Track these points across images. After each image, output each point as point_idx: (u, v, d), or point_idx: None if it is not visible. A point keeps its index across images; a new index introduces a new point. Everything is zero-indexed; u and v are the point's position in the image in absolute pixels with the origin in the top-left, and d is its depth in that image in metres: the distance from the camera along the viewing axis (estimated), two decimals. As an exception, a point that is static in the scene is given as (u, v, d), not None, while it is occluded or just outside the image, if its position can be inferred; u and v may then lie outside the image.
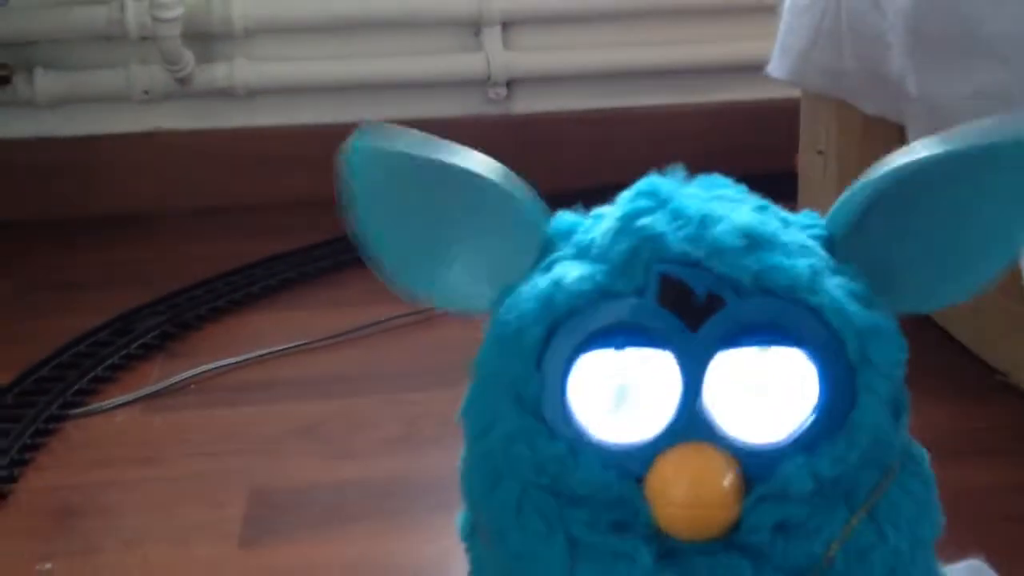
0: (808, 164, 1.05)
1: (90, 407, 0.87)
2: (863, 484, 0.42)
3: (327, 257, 1.15)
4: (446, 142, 0.45)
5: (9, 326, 1.05)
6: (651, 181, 0.45)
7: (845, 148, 0.98)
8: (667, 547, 0.41)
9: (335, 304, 1.06)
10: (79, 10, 1.28)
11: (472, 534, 0.48)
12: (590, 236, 0.44)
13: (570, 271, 0.43)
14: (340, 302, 1.06)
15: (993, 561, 0.60)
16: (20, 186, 1.32)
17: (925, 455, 0.45)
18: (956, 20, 0.74)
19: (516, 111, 1.36)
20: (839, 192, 1.04)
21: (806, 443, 0.41)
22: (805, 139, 1.05)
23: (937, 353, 0.91)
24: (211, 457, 0.81)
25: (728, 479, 0.41)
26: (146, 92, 1.31)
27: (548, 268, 0.44)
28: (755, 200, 0.45)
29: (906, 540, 0.43)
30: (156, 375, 0.92)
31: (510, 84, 1.36)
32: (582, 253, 0.44)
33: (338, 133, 1.22)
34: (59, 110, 1.32)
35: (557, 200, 0.47)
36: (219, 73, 1.31)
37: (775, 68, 1.01)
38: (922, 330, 0.95)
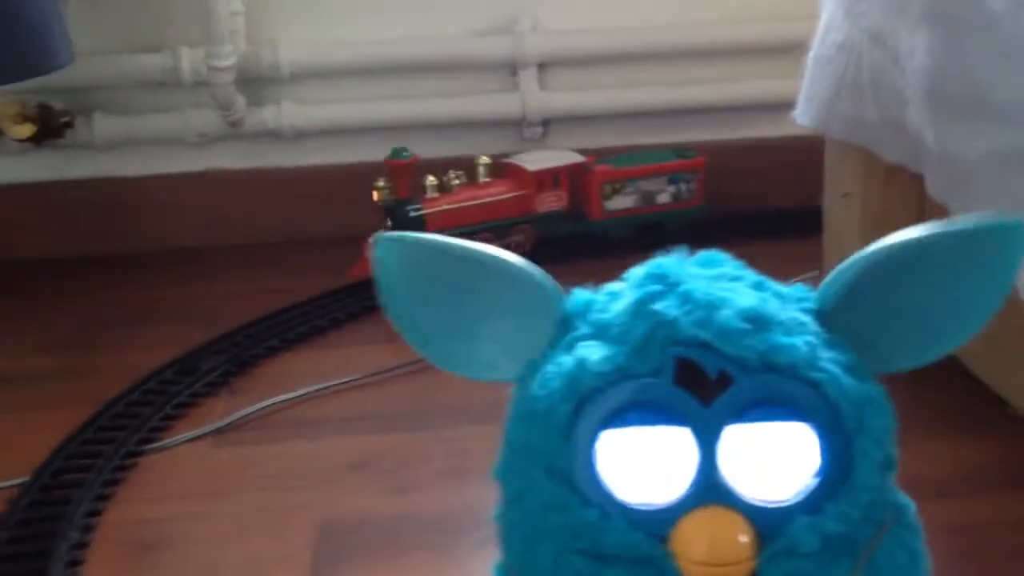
0: (832, 207, 1.10)
1: (162, 443, 0.94)
2: (862, 539, 0.47)
3: (374, 295, 1.21)
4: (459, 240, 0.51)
5: (78, 361, 1.11)
6: (659, 264, 0.50)
7: (870, 192, 1.03)
8: None
9: (384, 341, 1.11)
10: (136, 58, 1.35)
11: None
12: (606, 316, 0.49)
13: (592, 353, 0.48)
14: (389, 339, 1.11)
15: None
16: (81, 224, 1.39)
17: (912, 507, 0.51)
18: (970, 83, 0.79)
19: (552, 149, 1.42)
20: (862, 235, 1.11)
21: (812, 504, 0.46)
22: (830, 182, 1.10)
23: (953, 387, 0.96)
24: (275, 491, 0.87)
25: (743, 539, 0.46)
26: (200, 135, 1.38)
27: (570, 347, 0.49)
28: (752, 276, 0.50)
29: None
30: (221, 411, 0.99)
31: (546, 123, 1.41)
32: (601, 333, 0.49)
33: (382, 171, 1.33)
34: (116, 152, 1.40)
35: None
36: (268, 115, 1.38)
37: (801, 115, 1.06)
38: (939, 365, 1.00)
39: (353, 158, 1.41)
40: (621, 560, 0.47)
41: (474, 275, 0.51)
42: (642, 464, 0.47)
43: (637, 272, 0.50)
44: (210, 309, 1.21)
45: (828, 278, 0.50)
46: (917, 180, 0.99)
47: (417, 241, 0.51)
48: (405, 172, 1.24)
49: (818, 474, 0.47)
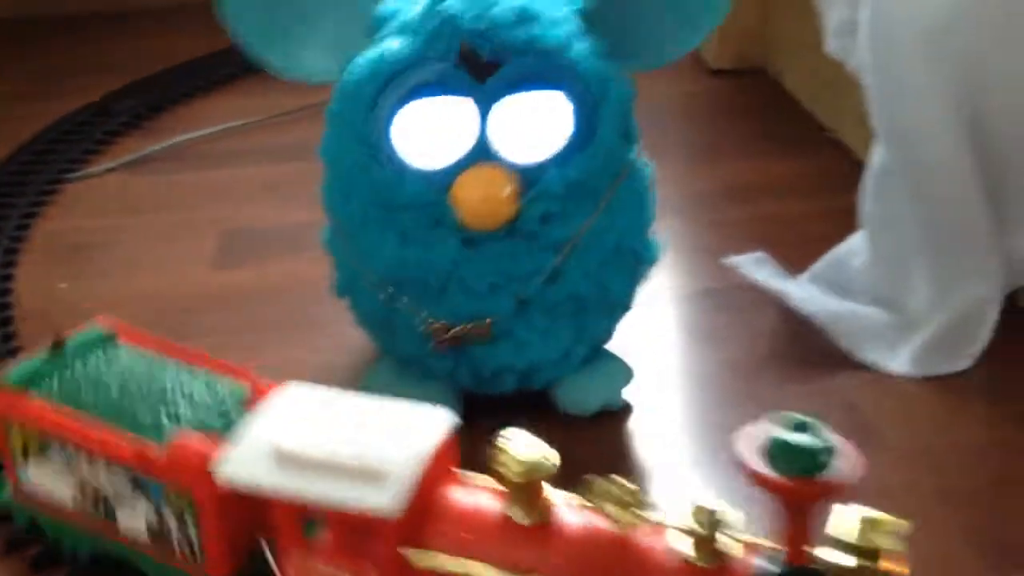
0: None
1: (83, 172, 1.04)
2: (601, 189, 0.62)
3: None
4: None
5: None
6: None
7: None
8: (468, 237, 0.60)
9: (287, 90, 1.20)
10: None
11: (332, 240, 0.67)
12: (407, 18, 0.61)
13: (393, 44, 0.60)
14: (291, 88, 1.21)
15: (791, 259, 0.80)
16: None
17: (650, 170, 0.65)
18: None
19: None
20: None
21: (562, 160, 0.60)
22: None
23: (781, 112, 1.10)
24: (188, 209, 0.98)
25: (509, 183, 0.59)
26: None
27: (378, 42, 0.61)
28: None
29: (628, 223, 0.63)
30: (135, 147, 1.09)
31: None
32: (402, 30, 0.61)
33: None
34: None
35: None
36: None
37: None
38: (771, 94, 1.14)
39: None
40: (412, 208, 0.60)
41: None
42: (429, 133, 0.60)
43: None
44: (128, 63, 1.28)
45: None
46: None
47: None
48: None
49: (569, 138, 0.60)
